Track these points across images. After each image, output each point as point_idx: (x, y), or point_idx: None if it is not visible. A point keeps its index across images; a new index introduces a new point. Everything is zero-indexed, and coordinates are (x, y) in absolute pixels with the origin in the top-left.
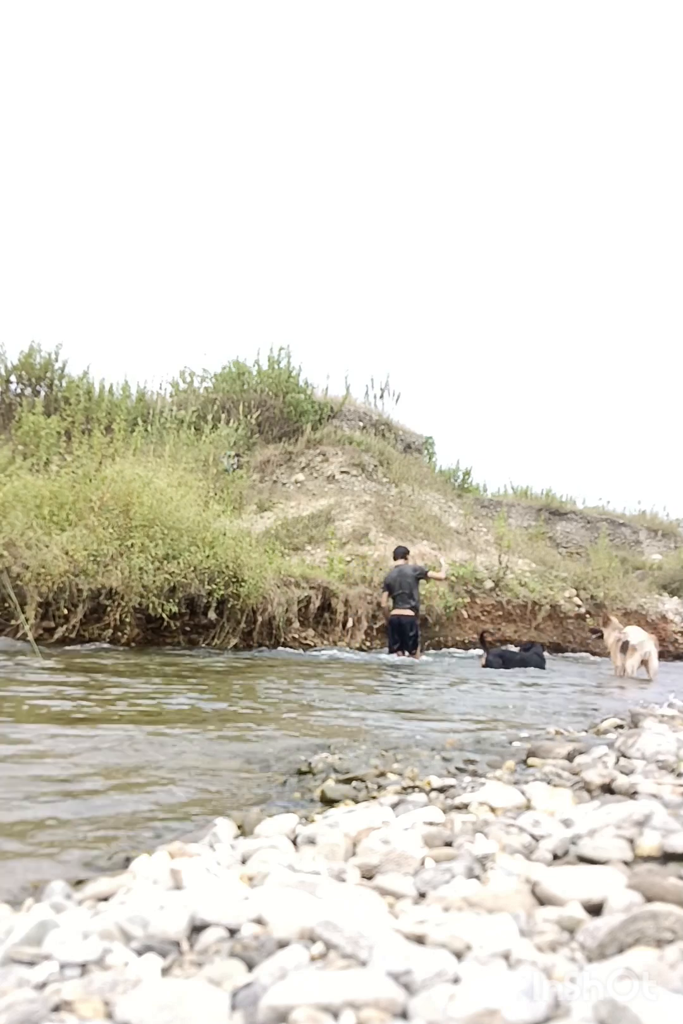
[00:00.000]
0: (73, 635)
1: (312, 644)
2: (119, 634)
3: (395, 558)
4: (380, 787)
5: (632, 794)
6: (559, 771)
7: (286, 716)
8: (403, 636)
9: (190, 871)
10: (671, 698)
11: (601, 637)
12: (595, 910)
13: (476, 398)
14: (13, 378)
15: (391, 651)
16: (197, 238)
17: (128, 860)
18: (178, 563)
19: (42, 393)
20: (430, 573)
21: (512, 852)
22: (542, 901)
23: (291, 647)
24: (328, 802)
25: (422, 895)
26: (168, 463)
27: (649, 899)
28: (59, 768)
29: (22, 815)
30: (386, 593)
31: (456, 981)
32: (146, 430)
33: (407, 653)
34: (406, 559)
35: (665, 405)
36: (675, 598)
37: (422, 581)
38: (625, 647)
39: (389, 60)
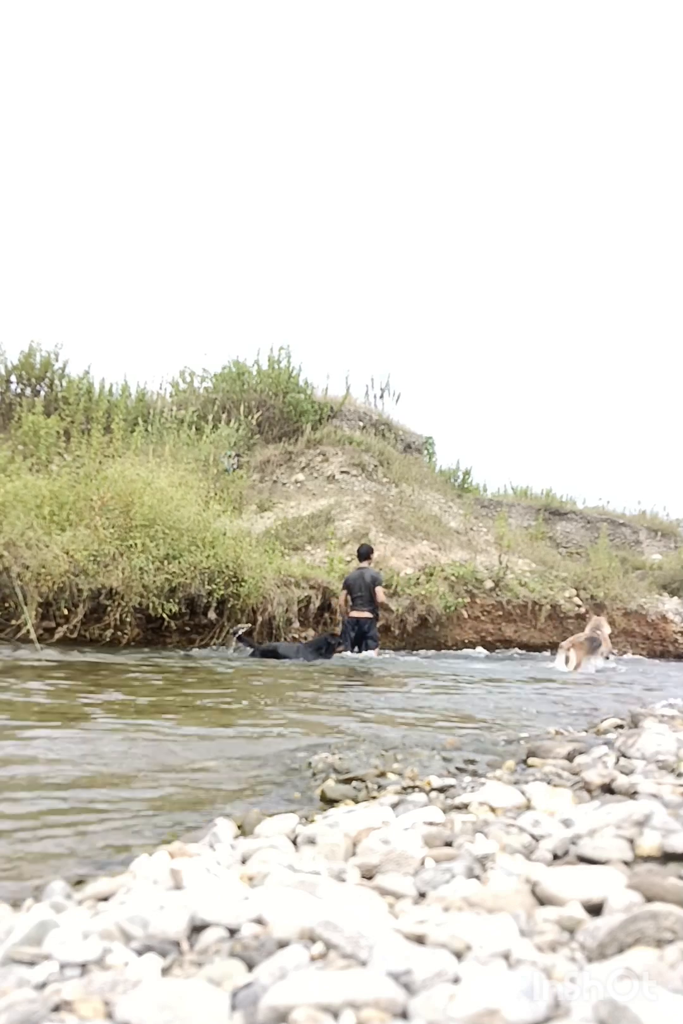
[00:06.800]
0: (73, 635)
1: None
2: (119, 634)
3: (359, 557)
4: (380, 787)
5: (632, 794)
6: (559, 771)
7: (286, 716)
8: (361, 636)
9: (190, 871)
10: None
11: None
12: (595, 910)
13: (476, 398)
14: (13, 378)
15: (350, 649)
16: (197, 238)
17: (128, 860)
18: (178, 563)
19: (42, 393)
20: (379, 591)
21: (512, 852)
22: (542, 901)
23: None
24: (328, 802)
25: (422, 895)
26: (168, 463)
27: (649, 899)
28: (58, 767)
29: (21, 813)
30: (345, 593)
31: (456, 981)
32: (146, 430)
33: (365, 651)
34: (369, 561)
35: (665, 405)
36: (675, 598)
37: (378, 588)
38: None
39: (389, 60)
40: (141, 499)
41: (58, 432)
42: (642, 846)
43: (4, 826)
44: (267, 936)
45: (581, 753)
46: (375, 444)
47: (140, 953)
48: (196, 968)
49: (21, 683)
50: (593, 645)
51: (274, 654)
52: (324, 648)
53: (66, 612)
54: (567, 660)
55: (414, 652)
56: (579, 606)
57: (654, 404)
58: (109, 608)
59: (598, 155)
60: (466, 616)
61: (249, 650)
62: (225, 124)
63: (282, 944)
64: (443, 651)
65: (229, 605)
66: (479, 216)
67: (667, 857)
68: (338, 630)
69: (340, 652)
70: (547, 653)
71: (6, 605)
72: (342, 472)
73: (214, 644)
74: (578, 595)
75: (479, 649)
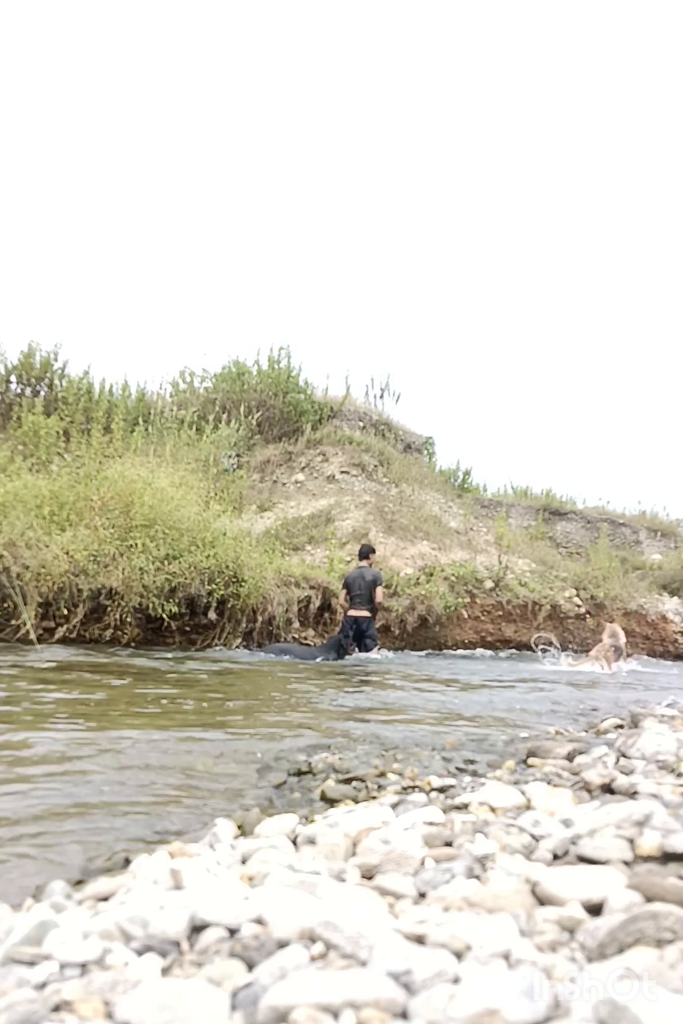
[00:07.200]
0: (73, 635)
1: (311, 644)
2: (119, 634)
3: (360, 557)
4: (380, 787)
5: (632, 794)
6: (559, 771)
7: (286, 716)
8: (360, 635)
9: (190, 871)
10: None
11: None
12: (595, 910)
13: (476, 398)
14: (13, 378)
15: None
16: (197, 238)
17: (128, 860)
18: (179, 563)
19: (42, 393)
20: (379, 591)
21: (512, 852)
22: (542, 901)
23: None
24: (328, 802)
25: (422, 895)
26: (169, 463)
27: (649, 899)
28: (57, 768)
29: (22, 815)
30: (345, 592)
31: (456, 981)
32: (146, 430)
33: (364, 651)
34: (369, 560)
35: (665, 405)
36: (675, 598)
37: (378, 588)
38: None
39: (389, 60)
40: (141, 499)
41: (58, 432)
42: (642, 846)
43: (4, 825)
44: (267, 936)
45: (581, 753)
46: (375, 444)
47: (140, 953)
48: (196, 968)
49: (22, 684)
50: (617, 652)
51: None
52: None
53: (66, 612)
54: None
55: (414, 652)
56: (579, 606)
57: (654, 404)
58: (109, 608)
59: (598, 155)
60: (466, 616)
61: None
62: (225, 124)
63: (282, 944)
64: (443, 651)
65: (229, 605)
66: (479, 216)
67: (667, 857)
68: (337, 630)
69: (351, 652)
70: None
71: (5, 605)
72: (342, 472)
73: (216, 645)
74: (578, 595)
75: (479, 650)
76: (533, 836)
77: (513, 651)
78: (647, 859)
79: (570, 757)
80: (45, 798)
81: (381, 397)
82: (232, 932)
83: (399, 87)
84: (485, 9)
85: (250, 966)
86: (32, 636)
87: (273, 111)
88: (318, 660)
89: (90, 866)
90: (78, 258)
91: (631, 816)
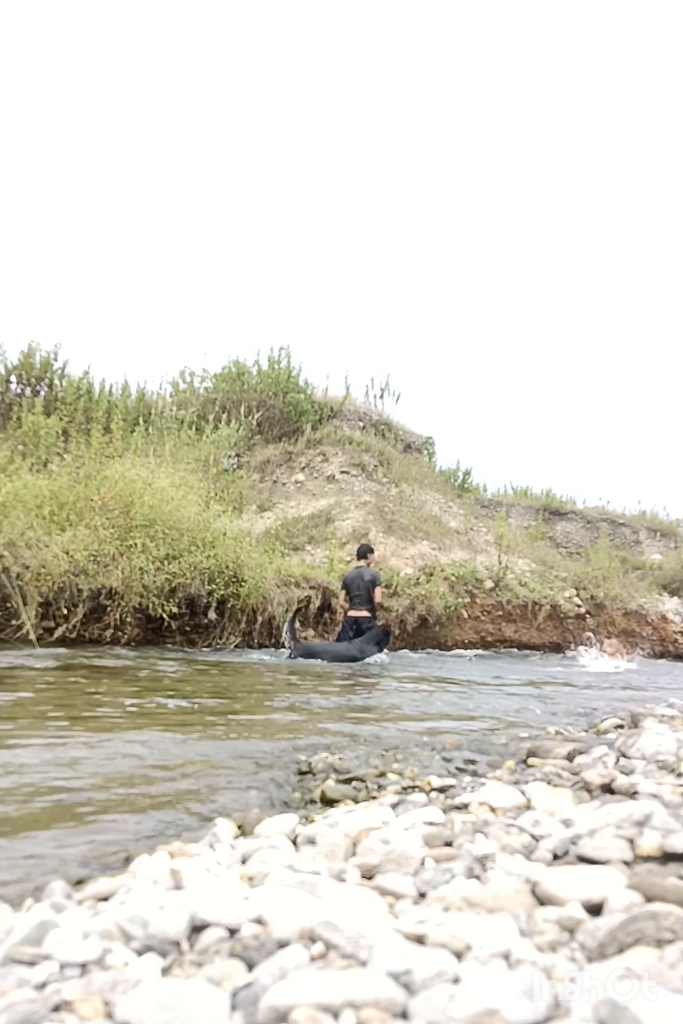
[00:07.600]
0: (73, 635)
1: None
2: (119, 634)
3: (358, 557)
4: (380, 787)
5: (632, 794)
6: (559, 771)
7: (285, 716)
8: (360, 635)
9: (190, 871)
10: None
11: None
12: (595, 910)
13: (476, 398)
14: (13, 378)
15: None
16: (197, 238)
17: (128, 860)
18: (179, 563)
19: (42, 393)
20: (378, 591)
21: (512, 852)
22: (542, 901)
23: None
24: (328, 802)
25: (422, 895)
26: (169, 463)
27: (649, 899)
28: (58, 769)
29: (21, 813)
30: (344, 593)
31: (456, 981)
32: (146, 430)
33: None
34: (367, 560)
35: (665, 405)
36: (675, 598)
37: (377, 588)
38: None
39: (389, 60)
40: (141, 499)
41: (58, 432)
42: (642, 846)
43: (5, 826)
44: (267, 936)
45: (581, 753)
46: (375, 444)
47: (140, 953)
48: (196, 968)
49: (22, 683)
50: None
51: (311, 654)
52: (383, 639)
53: (66, 612)
54: (613, 657)
55: (414, 652)
56: (579, 606)
57: (654, 404)
58: (109, 608)
59: (598, 155)
60: (466, 616)
61: (288, 650)
62: (225, 124)
63: (282, 944)
64: (443, 651)
65: (229, 605)
66: (479, 216)
67: (667, 857)
68: (337, 630)
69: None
70: (545, 653)
71: (8, 605)
72: (342, 472)
73: (216, 644)
74: (578, 595)
75: (477, 649)
76: (533, 836)
77: (513, 651)
78: (647, 859)
79: (570, 757)
80: (44, 798)
81: (381, 397)
82: (232, 932)
83: (399, 87)
84: (485, 9)
85: (250, 966)
86: (32, 636)
87: (273, 111)
88: (369, 660)
89: (90, 866)
90: (78, 258)
91: (631, 816)
